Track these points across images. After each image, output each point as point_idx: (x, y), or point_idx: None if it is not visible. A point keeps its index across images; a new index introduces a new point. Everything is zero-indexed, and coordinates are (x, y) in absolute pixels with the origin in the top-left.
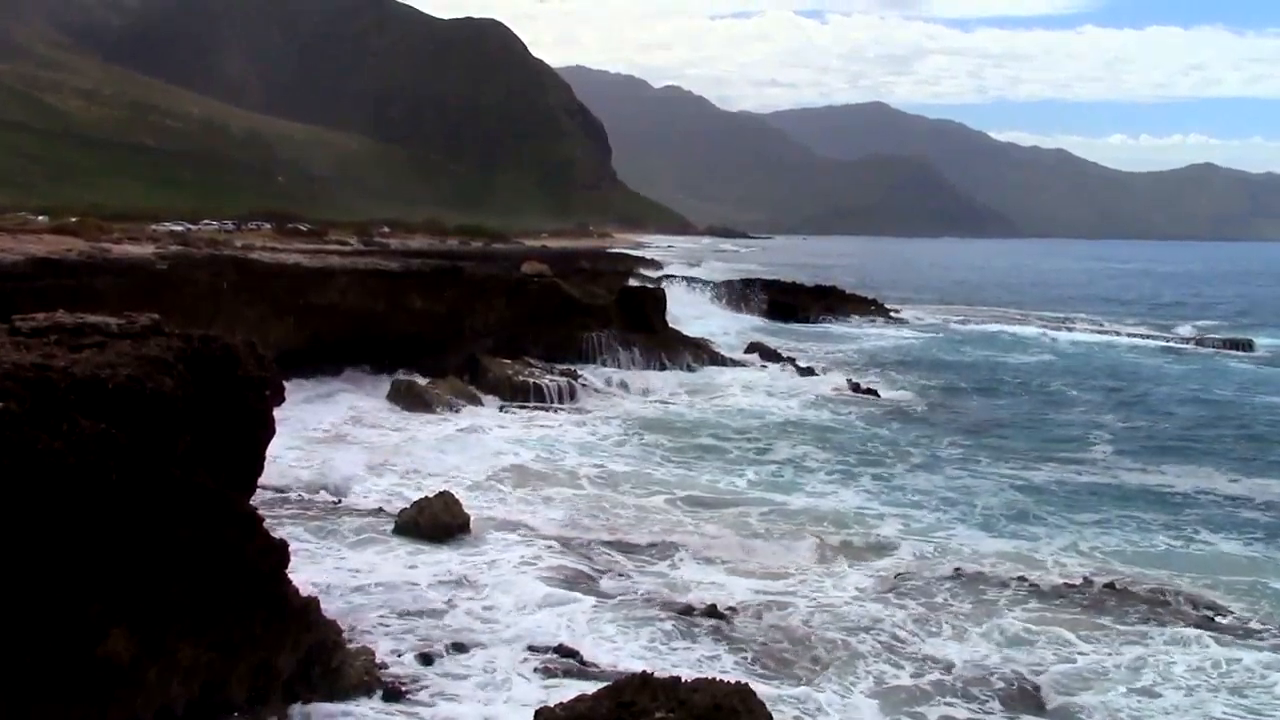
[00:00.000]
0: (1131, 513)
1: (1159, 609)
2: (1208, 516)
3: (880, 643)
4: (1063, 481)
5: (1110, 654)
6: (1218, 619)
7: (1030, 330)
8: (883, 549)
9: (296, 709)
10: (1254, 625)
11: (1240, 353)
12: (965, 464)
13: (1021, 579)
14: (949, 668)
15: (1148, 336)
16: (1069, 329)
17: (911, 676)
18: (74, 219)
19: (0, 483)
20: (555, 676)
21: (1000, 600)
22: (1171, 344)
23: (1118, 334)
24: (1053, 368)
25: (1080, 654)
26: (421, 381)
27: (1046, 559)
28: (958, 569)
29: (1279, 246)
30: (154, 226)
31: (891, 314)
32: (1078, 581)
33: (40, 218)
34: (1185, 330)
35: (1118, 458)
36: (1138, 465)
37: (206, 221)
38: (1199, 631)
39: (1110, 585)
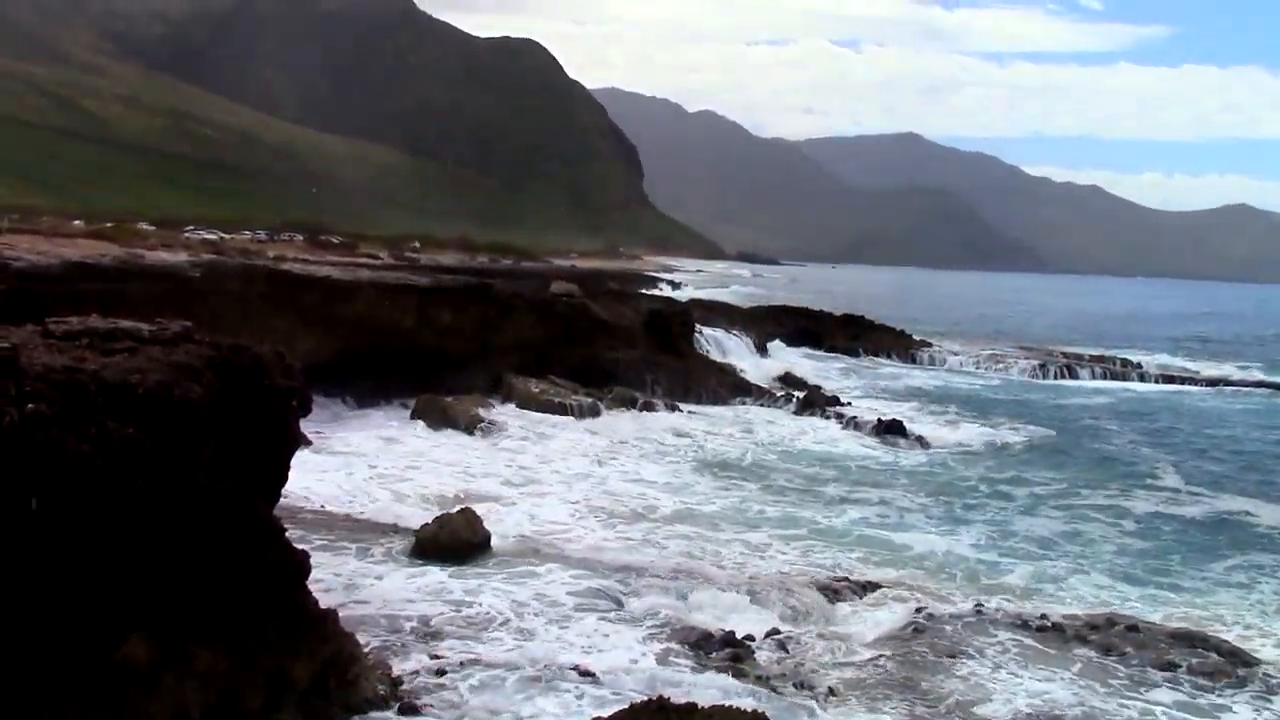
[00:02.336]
0: (1252, 557)
1: None
2: None
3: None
4: (1167, 519)
5: None
6: None
7: (1066, 369)
8: (1020, 593)
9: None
10: None
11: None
12: (1064, 507)
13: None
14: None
15: (1183, 379)
16: (1098, 369)
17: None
18: (110, 224)
19: (28, 483)
20: (571, 698)
21: (1100, 647)
22: (1203, 386)
23: (1143, 374)
24: (1098, 406)
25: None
26: (449, 399)
27: (1203, 612)
28: (1045, 616)
29: None
30: (186, 234)
31: (923, 347)
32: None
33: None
34: (1222, 371)
35: (1210, 498)
36: (1232, 506)
37: (207, 228)
38: None
39: None
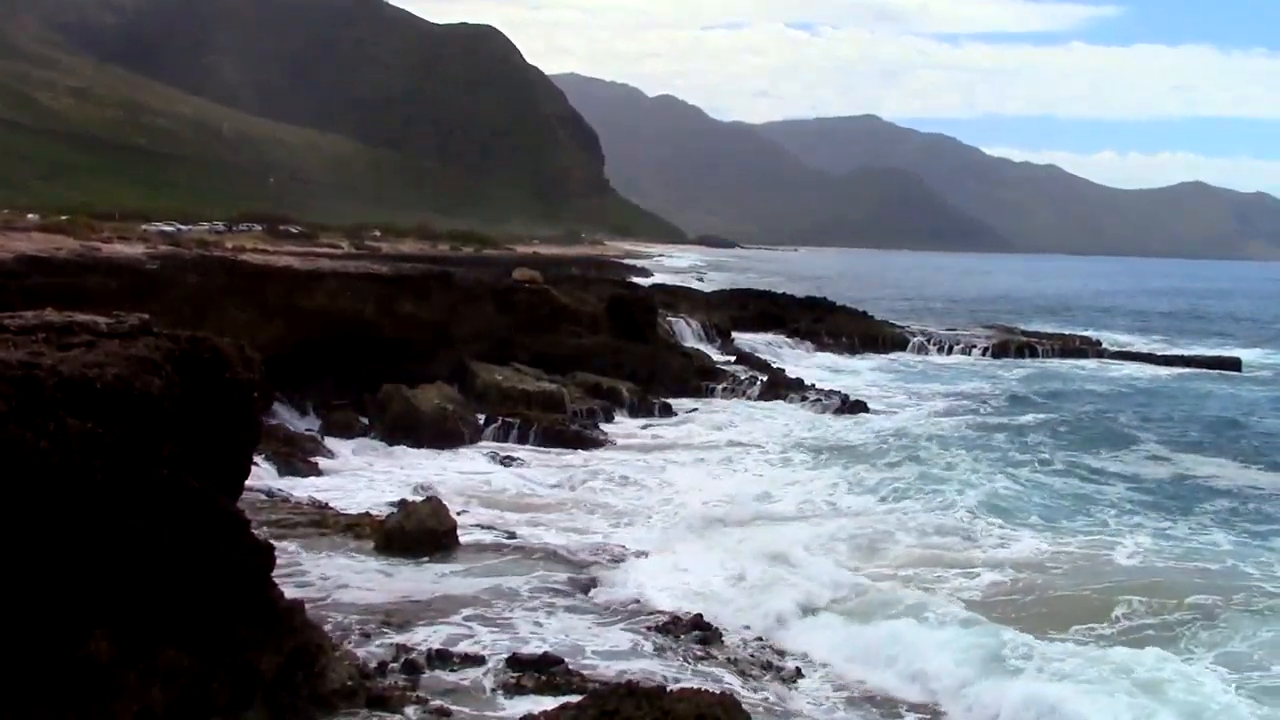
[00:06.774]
0: None
1: None
2: None
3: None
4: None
5: None
6: None
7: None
8: None
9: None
10: None
11: (1231, 372)
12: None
13: None
14: None
15: (1141, 357)
16: (1056, 347)
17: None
18: (64, 217)
19: None
20: (541, 686)
21: None
22: (1160, 366)
23: (1101, 352)
24: (1082, 384)
25: None
26: (413, 390)
27: None
28: None
29: (1267, 266)
30: (144, 226)
31: (886, 328)
32: None
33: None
34: (1180, 349)
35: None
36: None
37: (177, 223)
38: None
39: None
